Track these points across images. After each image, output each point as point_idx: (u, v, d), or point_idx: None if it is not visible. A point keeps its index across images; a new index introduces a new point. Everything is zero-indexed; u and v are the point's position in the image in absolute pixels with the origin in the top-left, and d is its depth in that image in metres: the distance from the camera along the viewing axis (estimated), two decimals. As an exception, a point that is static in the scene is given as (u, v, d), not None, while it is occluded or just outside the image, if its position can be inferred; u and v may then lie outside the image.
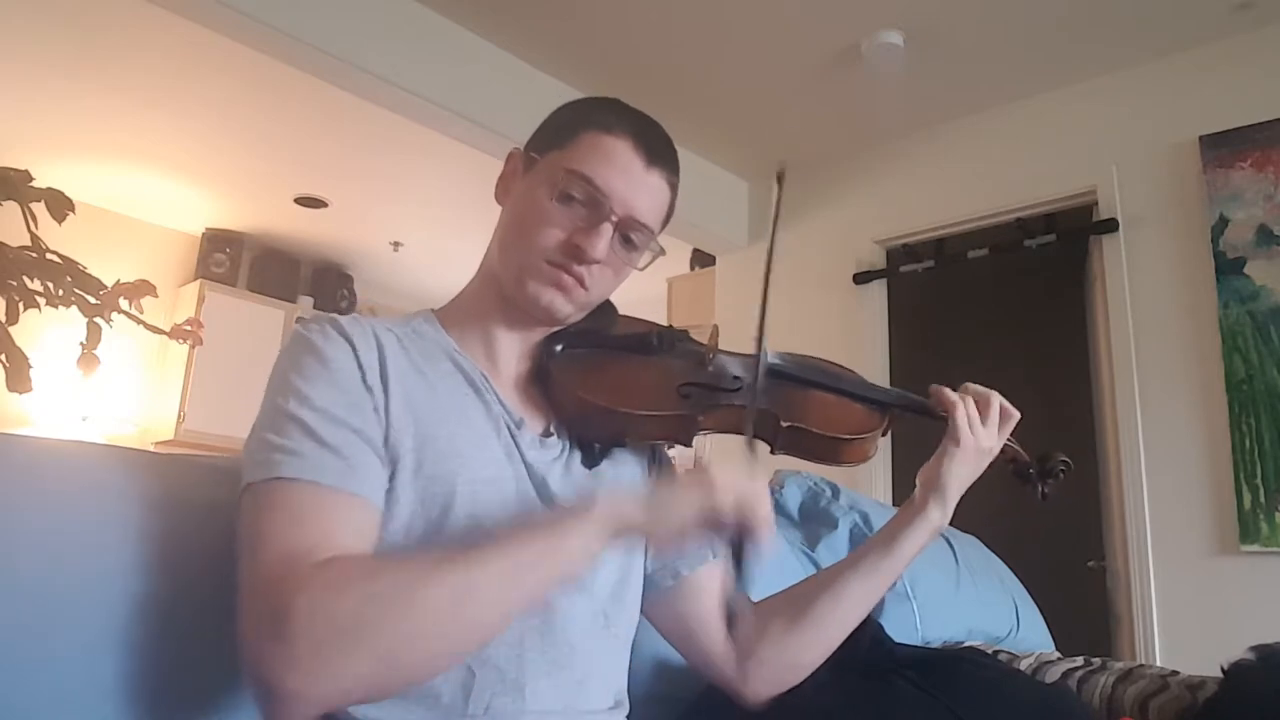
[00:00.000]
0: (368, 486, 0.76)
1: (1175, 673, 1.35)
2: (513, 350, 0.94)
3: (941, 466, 0.99)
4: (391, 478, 0.78)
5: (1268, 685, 1.14)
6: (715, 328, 1.03)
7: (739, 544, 0.79)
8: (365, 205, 4.58)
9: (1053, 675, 1.41)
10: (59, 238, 1.44)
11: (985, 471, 1.02)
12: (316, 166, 4.19)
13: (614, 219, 0.88)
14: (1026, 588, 2.03)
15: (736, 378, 0.97)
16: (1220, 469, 2.80)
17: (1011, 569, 2.05)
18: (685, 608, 0.99)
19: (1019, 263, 3.40)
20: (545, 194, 0.89)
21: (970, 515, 2.15)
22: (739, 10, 2.97)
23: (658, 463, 1.03)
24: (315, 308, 5.24)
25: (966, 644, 1.68)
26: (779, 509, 1.71)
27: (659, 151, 0.92)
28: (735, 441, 0.91)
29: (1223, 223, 2.90)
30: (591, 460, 0.93)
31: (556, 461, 0.90)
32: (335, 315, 0.84)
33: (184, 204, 4.61)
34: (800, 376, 1.03)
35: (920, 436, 1.03)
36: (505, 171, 0.96)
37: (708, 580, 0.99)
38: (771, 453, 0.97)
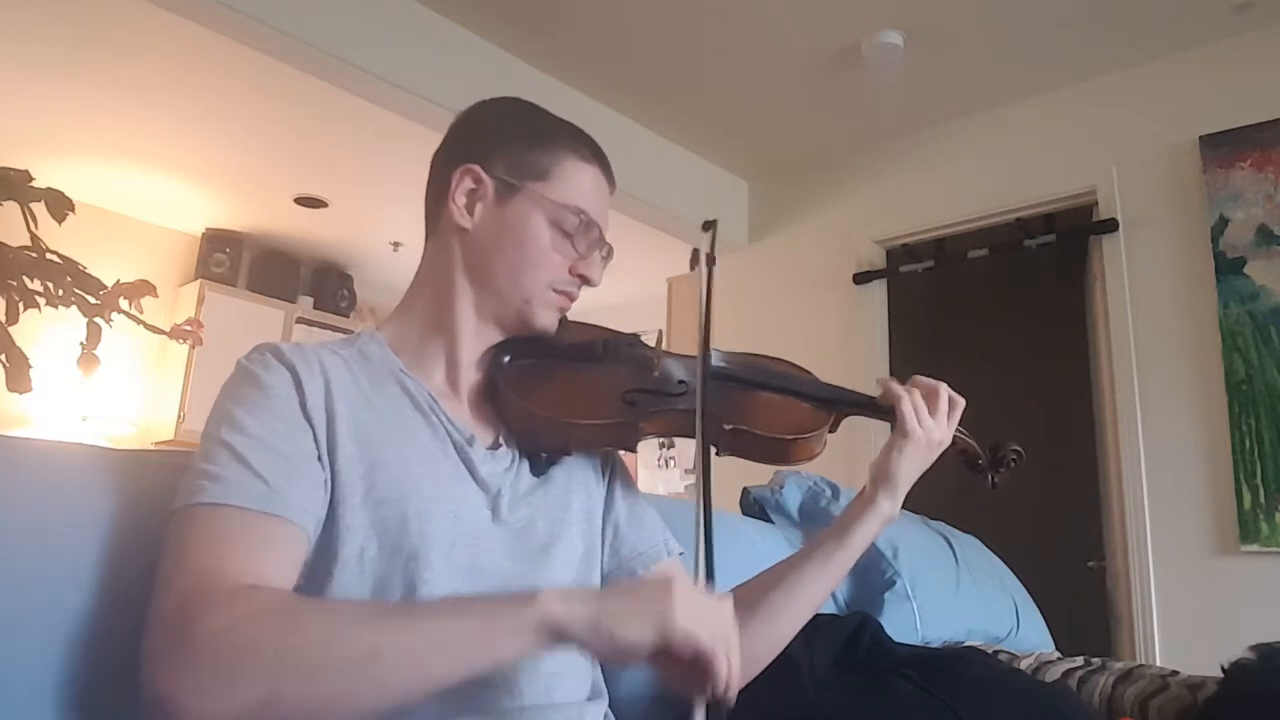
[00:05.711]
0: (292, 510, 0.74)
1: (1175, 673, 1.35)
2: (472, 363, 0.95)
3: (890, 459, 1.00)
4: (339, 504, 0.78)
5: (1268, 685, 1.14)
6: (660, 332, 1.03)
7: (700, 688, 0.68)
8: (365, 205, 4.57)
9: (1053, 675, 1.41)
10: (59, 238, 1.44)
11: (937, 462, 1.02)
12: (316, 166, 4.18)
13: (603, 242, 0.97)
14: (1026, 588, 2.03)
15: (681, 381, 0.98)
16: (1220, 469, 2.80)
17: (1011, 569, 2.06)
18: None
19: (1019, 263, 3.40)
20: (541, 225, 0.93)
21: (971, 516, 2.16)
22: (740, 10, 2.97)
23: (610, 465, 1.03)
24: (315, 308, 5.23)
25: (966, 644, 1.68)
26: (779, 509, 1.71)
27: (611, 170, 1.00)
28: (688, 444, 0.90)
29: (1223, 223, 2.90)
30: (539, 469, 0.93)
31: (508, 472, 0.90)
32: (279, 344, 0.84)
33: (184, 204, 4.61)
34: (745, 378, 1.03)
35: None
36: (463, 189, 0.95)
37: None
38: (717, 454, 0.94)
